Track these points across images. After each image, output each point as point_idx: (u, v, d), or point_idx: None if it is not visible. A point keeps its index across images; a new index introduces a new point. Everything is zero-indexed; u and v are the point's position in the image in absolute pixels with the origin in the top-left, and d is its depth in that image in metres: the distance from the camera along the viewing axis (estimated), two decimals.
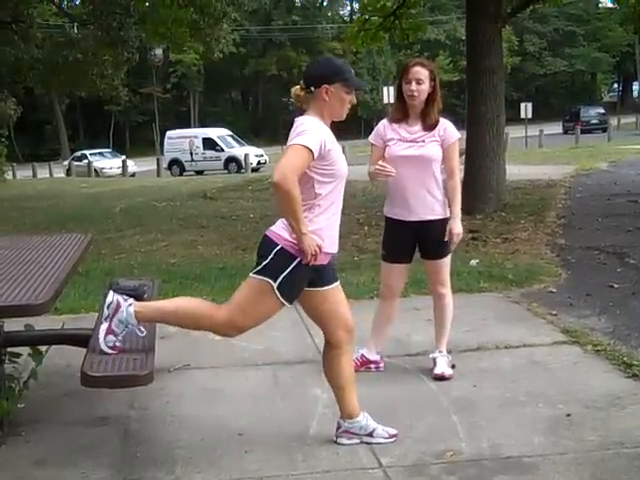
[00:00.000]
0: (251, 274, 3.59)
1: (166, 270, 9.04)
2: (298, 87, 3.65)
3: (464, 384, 4.65)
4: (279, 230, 3.55)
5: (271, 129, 56.67)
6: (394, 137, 4.68)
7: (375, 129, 4.79)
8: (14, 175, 35.25)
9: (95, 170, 35.36)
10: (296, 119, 3.63)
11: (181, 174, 33.85)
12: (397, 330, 5.64)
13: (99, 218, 15.63)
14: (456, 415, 4.19)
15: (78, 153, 40.44)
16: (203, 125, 48.34)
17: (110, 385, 3.42)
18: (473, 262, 8.20)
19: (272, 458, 3.73)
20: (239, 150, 34.62)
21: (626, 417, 4.09)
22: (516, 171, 16.18)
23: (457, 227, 4.69)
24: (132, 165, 36.21)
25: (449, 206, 4.72)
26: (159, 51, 39.06)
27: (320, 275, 3.66)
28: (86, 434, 4.09)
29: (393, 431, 3.91)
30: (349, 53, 45.46)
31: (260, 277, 3.52)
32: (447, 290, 4.87)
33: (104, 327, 3.61)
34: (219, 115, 56.37)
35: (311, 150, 3.42)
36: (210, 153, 34.89)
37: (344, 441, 3.87)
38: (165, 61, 51.38)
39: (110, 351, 3.60)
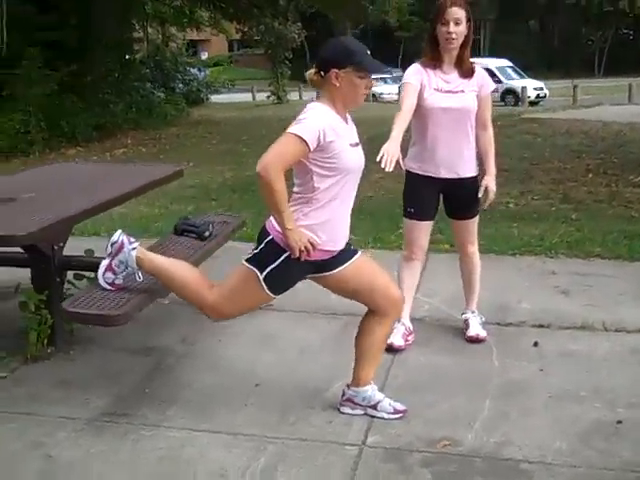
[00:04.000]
0: (242, 261, 3.41)
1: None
2: (313, 71, 3.32)
3: (532, 366, 4.17)
4: (275, 220, 3.31)
5: (565, 62, 53.83)
6: (430, 85, 4.20)
7: (411, 70, 4.23)
8: (300, 96, 36.62)
9: (373, 95, 35.73)
10: (308, 104, 3.33)
11: None
12: (508, 295, 5.22)
13: None
14: (492, 401, 3.77)
15: None
16: (492, 54, 46.93)
17: (82, 321, 3.48)
18: None
19: (265, 416, 3.60)
20: (517, 82, 33.28)
21: None
22: None
23: (493, 185, 4.29)
24: None
25: (482, 161, 4.33)
26: None
27: (327, 263, 3.41)
28: (123, 362, 4.20)
29: (400, 407, 3.62)
30: None
31: (248, 265, 3.35)
32: (476, 248, 4.57)
33: (105, 263, 3.64)
34: (511, 44, 54.21)
35: (305, 141, 3.11)
36: None
37: (347, 410, 3.64)
38: None
39: (108, 287, 3.63)
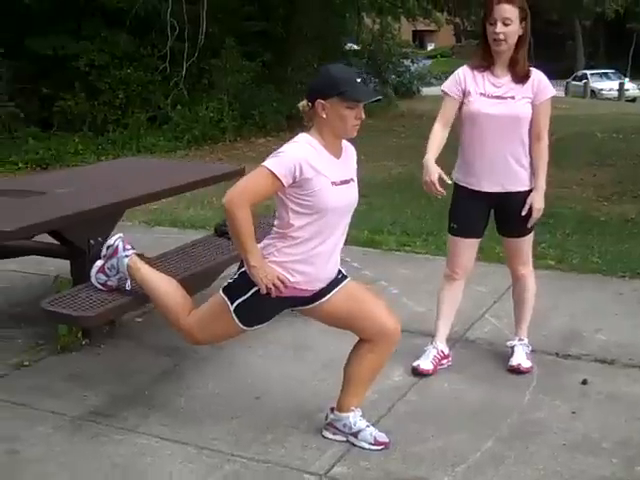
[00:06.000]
0: (220, 289, 3.29)
1: None
2: (305, 102, 3.14)
3: (565, 406, 3.76)
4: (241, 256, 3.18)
5: None
6: (476, 90, 3.86)
7: (452, 76, 3.95)
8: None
9: (592, 91, 34.02)
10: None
11: None
12: (589, 322, 4.77)
13: None
14: (496, 442, 3.44)
15: (579, 73, 39.19)
16: None
17: (56, 320, 3.52)
18: None
19: (244, 432, 3.49)
20: None
21: None
22: None
23: (538, 201, 3.89)
24: (633, 89, 33.98)
25: (534, 175, 3.91)
26: None
27: (307, 299, 3.25)
28: (145, 360, 4.25)
29: (382, 439, 3.37)
30: None
31: (222, 294, 3.23)
32: (529, 270, 4.16)
33: (98, 264, 3.67)
34: None
35: (276, 175, 2.95)
36: None
37: (328, 435, 3.46)
38: None
39: (101, 287, 3.66)
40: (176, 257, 4.24)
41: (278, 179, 2.95)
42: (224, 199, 2.99)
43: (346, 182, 3.13)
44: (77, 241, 4.15)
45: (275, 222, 3.14)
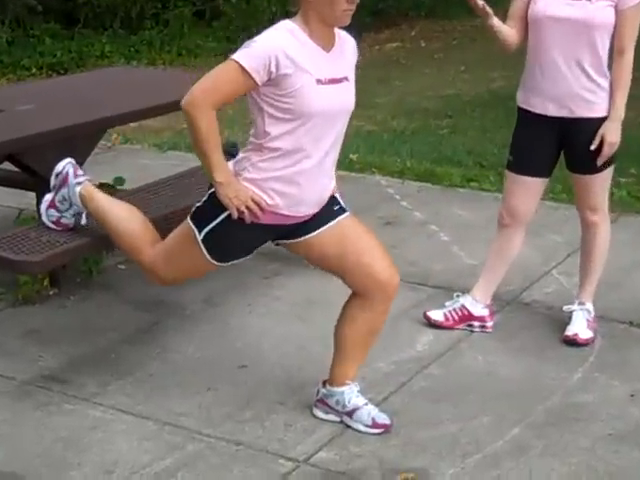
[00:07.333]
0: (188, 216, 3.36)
1: None
2: None
3: (623, 388, 3.79)
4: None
5: None
6: None
7: None
8: None
9: None
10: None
11: None
12: None
13: None
14: (525, 428, 3.49)
15: None
16: None
17: None
18: None
19: (217, 407, 3.63)
20: None
21: None
22: None
23: (612, 133, 3.85)
24: None
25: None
26: None
27: (293, 229, 3.29)
28: (119, 316, 4.42)
29: (382, 421, 3.45)
30: None
31: (189, 222, 3.28)
32: (600, 217, 4.11)
33: (48, 197, 3.76)
34: None
35: (247, 71, 2.95)
36: None
37: (318, 413, 3.56)
38: None
39: (53, 226, 3.76)
40: (160, 189, 4.34)
41: (250, 76, 2.96)
42: (183, 100, 3.01)
43: (336, 81, 3.11)
44: (40, 169, 4.24)
45: (251, 131, 3.17)
